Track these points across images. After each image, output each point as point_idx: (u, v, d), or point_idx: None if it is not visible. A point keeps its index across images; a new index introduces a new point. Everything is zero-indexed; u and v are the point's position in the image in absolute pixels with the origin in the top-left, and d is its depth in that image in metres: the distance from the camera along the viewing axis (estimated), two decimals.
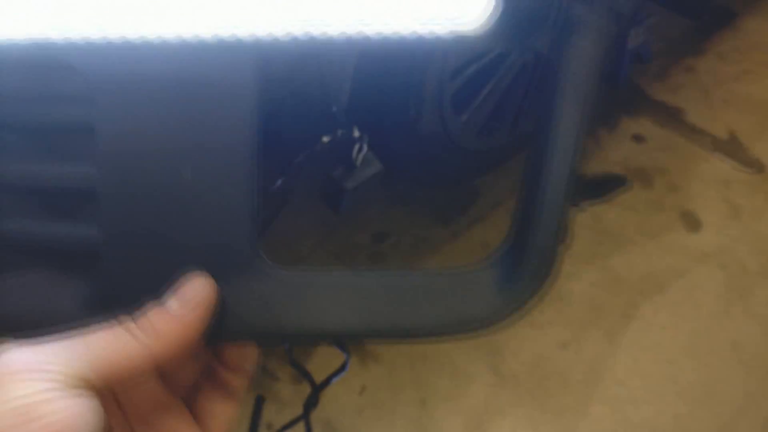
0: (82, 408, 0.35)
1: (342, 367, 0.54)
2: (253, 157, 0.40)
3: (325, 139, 1.15)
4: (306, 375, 0.56)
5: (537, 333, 1.53)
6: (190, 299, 0.40)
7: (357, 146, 1.21)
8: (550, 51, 0.42)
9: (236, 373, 0.47)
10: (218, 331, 0.40)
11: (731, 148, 1.92)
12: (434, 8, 0.38)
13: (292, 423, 0.60)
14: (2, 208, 0.41)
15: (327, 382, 0.55)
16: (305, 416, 0.56)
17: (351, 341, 0.42)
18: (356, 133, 1.19)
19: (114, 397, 0.43)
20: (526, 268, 0.42)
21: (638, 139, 1.92)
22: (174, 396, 0.47)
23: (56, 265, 0.41)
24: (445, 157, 1.42)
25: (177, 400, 0.47)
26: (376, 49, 0.38)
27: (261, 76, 0.39)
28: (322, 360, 1.41)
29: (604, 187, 0.47)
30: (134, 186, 0.39)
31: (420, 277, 0.42)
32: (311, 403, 0.56)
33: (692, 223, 1.75)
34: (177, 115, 0.39)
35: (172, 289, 0.40)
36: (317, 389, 0.55)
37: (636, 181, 1.84)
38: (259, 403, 0.59)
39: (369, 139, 1.22)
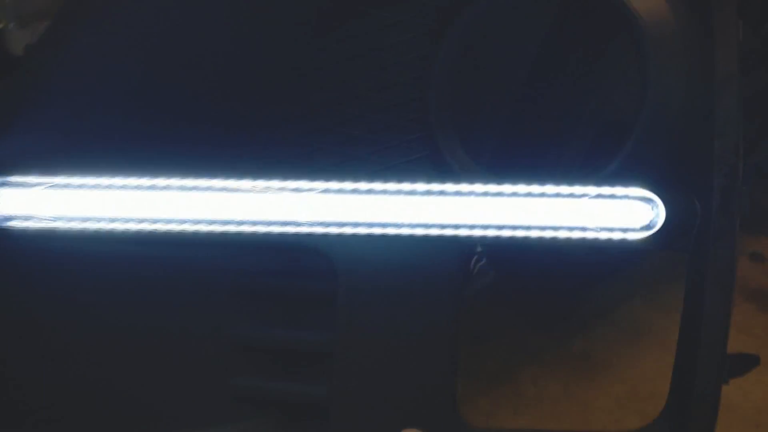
0: None
1: None
2: (455, 334, 0.53)
3: (478, 252, 1.30)
4: None
5: None
6: None
7: (475, 258, 1.36)
8: (694, 250, 0.54)
9: None
10: None
11: None
12: (613, 222, 0.52)
13: None
14: (241, 366, 0.55)
15: None
16: None
17: None
18: (479, 248, 1.34)
19: None
20: None
21: (757, 257, 1.97)
22: None
23: (286, 418, 0.55)
24: (560, 268, 1.53)
25: None
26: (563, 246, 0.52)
27: (464, 263, 0.53)
28: None
29: (742, 365, 0.57)
30: (365, 351, 0.52)
31: None
32: None
33: None
34: (400, 293, 0.53)
35: None
36: None
37: (753, 302, 1.88)
38: None
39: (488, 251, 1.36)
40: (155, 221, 0.52)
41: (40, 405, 0.55)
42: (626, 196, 0.52)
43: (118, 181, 0.51)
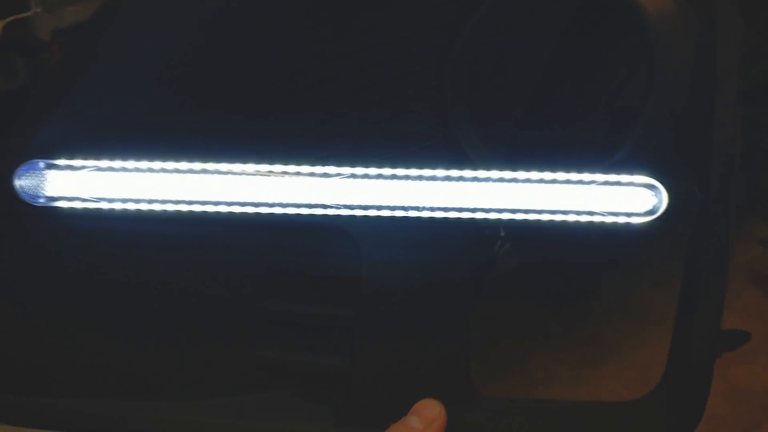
0: None
1: None
2: (469, 311, 0.58)
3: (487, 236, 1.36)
4: None
5: None
6: (429, 418, 0.55)
7: (499, 241, 1.41)
8: (693, 234, 0.58)
9: None
10: None
11: None
12: (619, 207, 0.57)
13: None
14: (270, 339, 0.60)
15: None
16: None
17: None
18: (502, 233, 1.39)
19: None
20: (684, 408, 0.57)
21: (767, 243, 2.01)
22: None
23: (311, 387, 0.60)
24: (586, 260, 1.59)
25: None
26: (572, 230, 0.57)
27: (480, 245, 0.58)
28: None
29: (736, 341, 0.62)
30: (385, 326, 0.57)
31: (596, 406, 0.59)
32: None
33: None
34: (419, 271, 0.57)
35: (413, 410, 0.55)
36: None
37: (762, 287, 1.92)
38: None
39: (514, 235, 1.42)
40: (191, 203, 0.57)
41: (79, 374, 0.60)
42: (631, 183, 0.56)
43: (157, 164, 0.56)
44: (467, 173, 0.56)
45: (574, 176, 0.57)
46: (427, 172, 0.56)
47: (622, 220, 0.57)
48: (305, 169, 0.56)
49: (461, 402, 0.58)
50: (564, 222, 0.57)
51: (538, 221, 0.57)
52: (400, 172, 0.56)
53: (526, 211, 0.57)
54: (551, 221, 0.57)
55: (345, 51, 0.59)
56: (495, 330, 1.80)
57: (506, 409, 0.58)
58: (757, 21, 1.53)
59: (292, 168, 0.56)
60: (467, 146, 0.60)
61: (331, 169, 0.56)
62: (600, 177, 0.57)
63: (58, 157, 0.56)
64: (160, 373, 0.60)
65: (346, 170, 0.56)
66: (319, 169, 0.56)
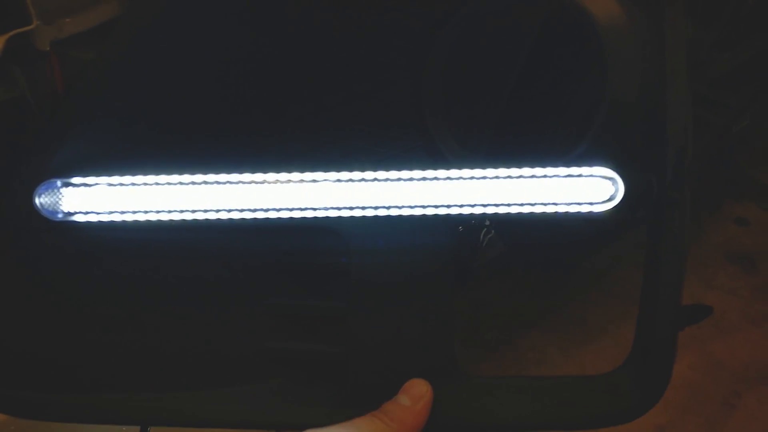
0: None
1: None
2: (452, 297, 0.63)
3: (461, 228, 1.41)
4: None
5: None
6: (417, 396, 0.60)
7: (484, 230, 1.47)
8: (652, 219, 0.64)
9: None
10: (429, 425, 0.61)
11: None
12: (581, 197, 0.62)
13: None
14: (272, 331, 0.65)
15: None
16: None
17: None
18: (487, 222, 1.45)
19: None
20: (651, 379, 0.62)
21: (741, 222, 2.06)
22: None
23: (311, 374, 0.65)
24: (563, 241, 1.64)
25: None
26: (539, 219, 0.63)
27: (457, 237, 0.64)
28: None
29: (698, 315, 0.67)
30: (374, 315, 0.63)
31: (571, 380, 0.64)
32: None
33: None
34: (404, 264, 0.62)
35: (402, 390, 0.61)
36: None
37: (738, 265, 1.98)
38: None
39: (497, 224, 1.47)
40: (194, 211, 0.62)
41: (86, 369, 0.65)
42: (591, 175, 0.62)
43: (163, 178, 0.62)
44: (442, 173, 0.62)
45: (539, 171, 0.62)
46: (405, 173, 0.62)
47: (585, 209, 0.62)
48: (296, 176, 0.62)
49: (447, 381, 0.63)
50: (531, 213, 0.62)
51: (508, 214, 0.62)
52: (381, 174, 0.62)
53: (497, 205, 0.62)
54: (520, 213, 0.62)
55: (330, 67, 0.64)
56: (484, 314, 1.86)
57: (488, 386, 0.64)
58: (722, 15, 1.60)
59: (284, 176, 0.62)
60: (444, 148, 0.65)
61: (319, 175, 0.62)
62: (563, 171, 0.62)
63: (74, 176, 0.62)
64: (168, 366, 0.65)
65: (333, 175, 0.62)
66: (308, 175, 0.62)
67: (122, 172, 0.62)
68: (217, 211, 0.62)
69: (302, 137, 0.65)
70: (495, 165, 0.62)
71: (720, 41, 1.70)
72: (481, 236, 1.51)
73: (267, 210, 0.62)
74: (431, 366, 0.63)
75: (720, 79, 1.82)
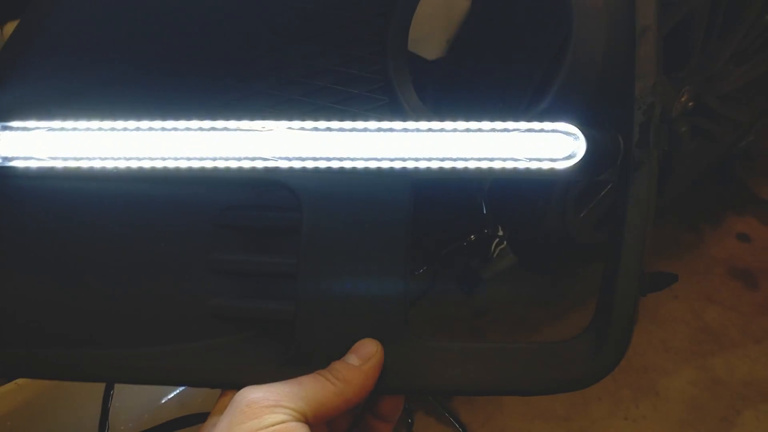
0: None
1: None
2: (407, 254, 0.59)
3: (473, 237, 1.40)
4: None
5: (631, 426, 1.61)
6: (366, 355, 0.57)
7: (496, 241, 1.45)
8: (618, 181, 0.61)
9: (384, 421, 0.64)
10: (379, 385, 0.58)
11: None
12: (540, 153, 0.59)
13: None
14: (219, 288, 0.62)
15: None
16: None
17: (478, 395, 0.57)
18: (500, 232, 1.43)
19: None
20: (610, 344, 0.59)
21: (743, 238, 2.01)
22: None
23: (258, 331, 0.62)
24: (561, 248, 1.62)
25: None
26: (501, 177, 0.59)
27: (413, 195, 0.60)
28: None
29: (661, 282, 0.63)
30: (325, 273, 0.59)
31: (529, 346, 0.60)
32: None
33: None
34: (356, 220, 0.59)
35: (352, 349, 0.58)
36: None
37: (740, 281, 1.93)
38: None
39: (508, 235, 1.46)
40: (140, 159, 0.59)
41: (32, 324, 0.62)
42: (553, 130, 0.59)
43: (107, 124, 0.59)
44: (398, 125, 0.59)
45: (498, 125, 0.59)
46: (360, 124, 0.59)
47: (545, 165, 0.59)
48: (245, 124, 0.59)
49: (399, 342, 0.59)
50: (491, 169, 0.59)
51: (466, 168, 0.59)
52: (335, 124, 0.59)
53: (454, 160, 0.59)
54: (478, 168, 0.59)
55: (295, 21, 0.62)
56: (484, 321, 1.82)
57: (440, 350, 0.60)
58: (740, 29, 1.57)
59: (232, 123, 0.59)
60: (405, 104, 0.62)
61: (269, 124, 0.59)
62: (523, 125, 0.59)
63: (13, 119, 0.59)
64: (112, 322, 0.61)
65: (284, 124, 0.59)
66: (258, 124, 0.59)
67: (63, 117, 0.59)
68: (163, 159, 0.59)
69: (263, 93, 0.62)
70: (452, 118, 0.59)
71: (736, 55, 1.67)
72: (492, 247, 1.49)
73: (215, 159, 0.59)
74: (383, 327, 0.59)
75: (731, 93, 1.79)
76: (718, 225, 2.05)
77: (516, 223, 1.50)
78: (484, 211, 1.41)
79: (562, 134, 0.59)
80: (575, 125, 0.59)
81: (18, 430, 0.98)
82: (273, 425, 0.51)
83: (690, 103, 1.67)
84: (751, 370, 1.74)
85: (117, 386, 0.78)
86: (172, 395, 1.14)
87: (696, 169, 1.85)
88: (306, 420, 0.53)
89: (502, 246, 1.51)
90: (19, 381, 0.96)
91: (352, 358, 0.58)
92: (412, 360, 0.59)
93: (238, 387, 0.56)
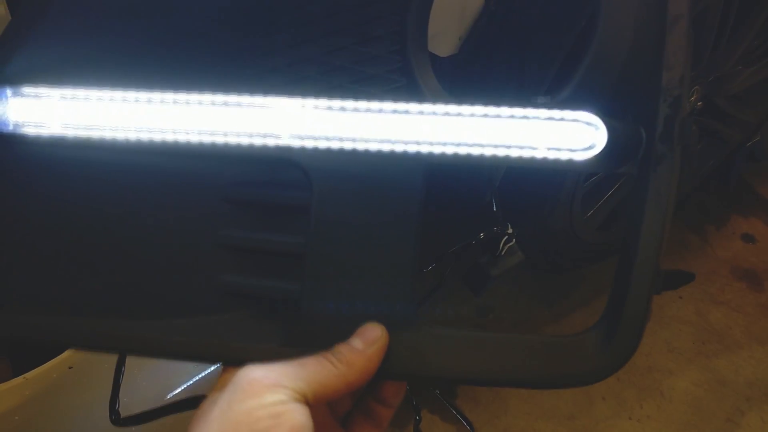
0: (306, 416, 0.50)
1: None
2: (416, 240, 0.56)
3: (482, 235, 1.37)
4: None
5: (635, 426, 1.59)
6: (370, 339, 0.55)
7: (505, 238, 1.43)
8: (639, 174, 0.58)
9: (385, 406, 0.62)
10: (382, 370, 0.56)
11: None
12: (560, 141, 0.55)
13: None
14: (227, 264, 0.59)
15: None
16: None
17: (483, 386, 0.54)
18: (510, 230, 1.40)
19: None
20: (621, 340, 0.56)
21: (748, 239, 1.98)
22: (335, 419, 0.62)
23: (264, 309, 0.59)
24: (567, 247, 1.59)
25: (338, 424, 0.62)
26: (518, 166, 0.56)
27: (426, 180, 0.57)
28: None
29: (677, 280, 0.60)
30: (333, 254, 0.56)
31: (537, 338, 0.57)
32: None
33: None
34: (367, 203, 0.56)
35: (356, 333, 0.55)
36: None
37: (745, 282, 1.89)
38: None
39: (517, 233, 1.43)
40: (151, 131, 0.56)
41: (40, 293, 0.59)
42: (575, 120, 0.55)
43: (119, 94, 0.56)
44: (414, 107, 0.56)
45: (517, 112, 0.56)
46: (375, 104, 0.56)
47: (564, 155, 0.56)
48: (258, 100, 0.56)
49: (404, 328, 0.57)
50: (507, 157, 0.56)
51: (482, 155, 0.56)
52: (349, 104, 0.56)
53: (470, 145, 0.56)
54: (494, 156, 0.56)
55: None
56: (488, 320, 1.79)
57: (447, 338, 0.57)
58: (751, 29, 1.53)
59: (246, 99, 0.56)
60: (424, 86, 0.59)
61: (282, 101, 0.56)
62: (544, 113, 0.56)
63: (25, 85, 0.56)
64: (118, 294, 0.59)
65: (297, 102, 0.56)
66: (271, 100, 0.56)
67: (77, 85, 0.56)
68: (174, 132, 0.56)
69: (279, 70, 0.59)
70: (470, 102, 0.56)
71: (746, 55, 1.63)
72: (501, 244, 1.47)
73: (226, 134, 0.56)
74: (389, 312, 0.57)
75: (740, 94, 1.74)
76: (723, 226, 2.01)
77: (524, 221, 1.48)
78: (494, 209, 1.39)
79: (582, 124, 0.55)
80: (597, 115, 0.55)
81: (25, 425, 0.97)
82: (272, 404, 0.49)
83: (699, 103, 1.63)
84: (755, 370, 1.71)
85: (123, 383, 0.76)
86: (179, 390, 1.13)
87: (702, 170, 1.82)
88: (306, 401, 0.51)
89: (511, 243, 1.48)
90: (27, 375, 0.95)
91: (357, 342, 0.55)
92: (417, 346, 0.57)
93: (241, 364, 0.53)
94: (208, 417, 0.51)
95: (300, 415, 0.50)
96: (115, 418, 0.77)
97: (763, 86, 1.75)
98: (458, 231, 1.46)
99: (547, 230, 1.48)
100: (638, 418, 1.60)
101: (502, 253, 1.49)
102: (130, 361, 0.84)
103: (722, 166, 1.89)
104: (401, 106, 0.56)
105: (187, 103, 0.56)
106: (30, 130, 0.57)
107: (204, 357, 0.58)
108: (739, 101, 1.76)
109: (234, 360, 0.56)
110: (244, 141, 0.56)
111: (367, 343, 0.55)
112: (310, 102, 0.56)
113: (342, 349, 0.55)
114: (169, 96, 0.56)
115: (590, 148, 0.55)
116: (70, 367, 0.99)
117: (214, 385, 0.57)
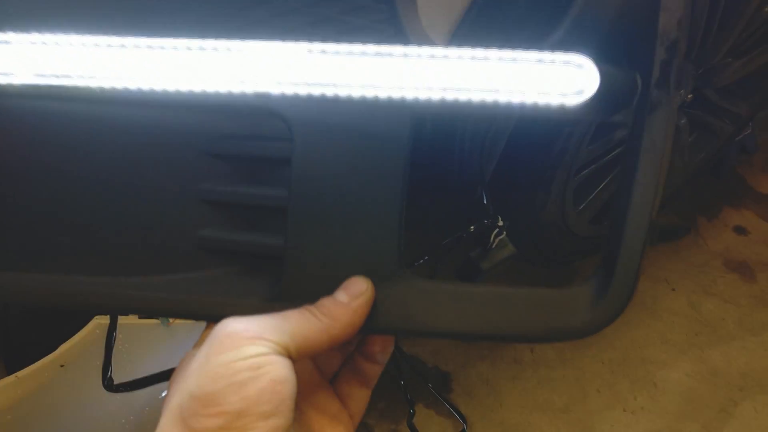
0: (289, 369, 0.48)
1: None
2: (403, 191, 0.54)
3: (472, 228, 1.35)
4: None
5: (629, 418, 1.56)
6: (355, 293, 0.52)
7: (496, 231, 1.40)
8: (633, 123, 0.55)
9: (372, 363, 0.60)
10: (368, 324, 0.53)
11: None
12: (550, 85, 0.53)
13: None
14: (208, 219, 0.57)
15: None
16: None
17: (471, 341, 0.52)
18: (500, 222, 1.38)
19: None
20: (614, 292, 0.54)
21: (740, 230, 1.96)
22: (323, 378, 0.60)
23: (247, 265, 0.57)
24: (559, 241, 1.57)
25: (326, 381, 0.60)
26: (507, 114, 0.54)
27: (413, 129, 0.54)
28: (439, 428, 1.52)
29: (672, 232, 0.58)
30: (317, 207, 0.54)
31: (528, 291, 0.55)
32: None
33: None
34: (351, 154, 0.53)
35: (341, 286, 0.53)
36: None
37: (737, 273, 1.87)
38: None
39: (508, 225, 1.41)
40: (125, 78, 0.53)
41: (18, 250, 0.56)
42: (566, 62, 0.53)
43: (92, 39, 0.53)
44: (398, 50, 0.53)
45: (506, 54, 0.53)
46: (357, 48, 0.53)
47: (555, 100, 0.53)
48: (236, 44, 0.53)
49: (390, 281, 0.54)
50: (495, 102, 0.53)
51: (470, 101, 0.53)
52: (330, 47, 0.53)
53: (458, 90, 0.53)
54: (483, 101, 0.53)
55: None
56: None
57: (434, 290, 0.54)
58: (740, 21, 1.51)
59: (222, 43, 0.53)
60: (407, 28, 0.56)
61: (260, 45, 0.53)
62: (532, 56, 0.53)
63: None
64: (98, 250, 0.56)
65: (274, 45, 0.53)
66: (248, 45, 0.53)
67: (47, 30, 0.53)
68: (149, 79, 0.53)
69: (264, 22, 0.56)
70: (457, 45, 0.53)
71: (735, 47, 1.62)
72: (492, 237, 1.45)
73: (203, 81, 0.53)
74: (375, 265, 0.54)
75: (730, 86, 1.73)
76: (715, 218, 1.99)
77: (515, 214, 1.46)
78: (485, 201, 1.37)
79: (574, 67, 0.53)
80: (590, 58, 0.53)
81: (17, 424, 0.96)
82: (252, 356, 0.47)
83: (689, 96, 1.61)
84: (748, 361, 1.69)
85: (117, 380, 0.73)
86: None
87: (693, 162, 1.80)
88: (288, 354, 0.49)
89: (501, 236, 1.46)
90: (19, 374, 0.93)
91: (341, 295, 0.53)
92: (403, 299, 0.54)
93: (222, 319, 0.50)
94: (186, 371, 0.48)
95: (282, 368, 0.47)
96: (108, 384, 0.74)
97: (753, 78, 1.74)
98: (449, 224, 1.44)
99: (539, 223, 1.46)
100: (632, 410, 1.58)
101: (493, 246, 1.47)
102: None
103: (713, 158, 1.87)
104: (384, 48, 0.53)
105: (162, 48, 0.53)
106: None
107: (186, 313, 0.55)
108: (729, 93, 1.75)
109: (216, 316, 0.53)
110: (222, 88, 0.53)
111: (352, 296, 0.52)
112: (289, 46, 0.53)
113: (326, 302, 0.52)
114: (143, 41, 0.53)
115: (581, 92, 0.53)
116: (61, 366, 0.97)
117: (198, 340, 0.54)
